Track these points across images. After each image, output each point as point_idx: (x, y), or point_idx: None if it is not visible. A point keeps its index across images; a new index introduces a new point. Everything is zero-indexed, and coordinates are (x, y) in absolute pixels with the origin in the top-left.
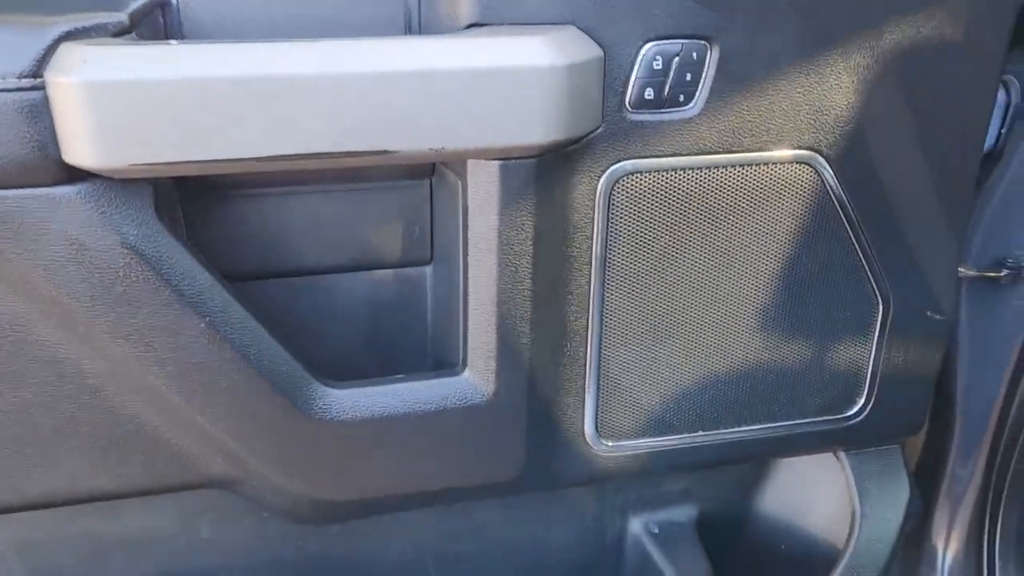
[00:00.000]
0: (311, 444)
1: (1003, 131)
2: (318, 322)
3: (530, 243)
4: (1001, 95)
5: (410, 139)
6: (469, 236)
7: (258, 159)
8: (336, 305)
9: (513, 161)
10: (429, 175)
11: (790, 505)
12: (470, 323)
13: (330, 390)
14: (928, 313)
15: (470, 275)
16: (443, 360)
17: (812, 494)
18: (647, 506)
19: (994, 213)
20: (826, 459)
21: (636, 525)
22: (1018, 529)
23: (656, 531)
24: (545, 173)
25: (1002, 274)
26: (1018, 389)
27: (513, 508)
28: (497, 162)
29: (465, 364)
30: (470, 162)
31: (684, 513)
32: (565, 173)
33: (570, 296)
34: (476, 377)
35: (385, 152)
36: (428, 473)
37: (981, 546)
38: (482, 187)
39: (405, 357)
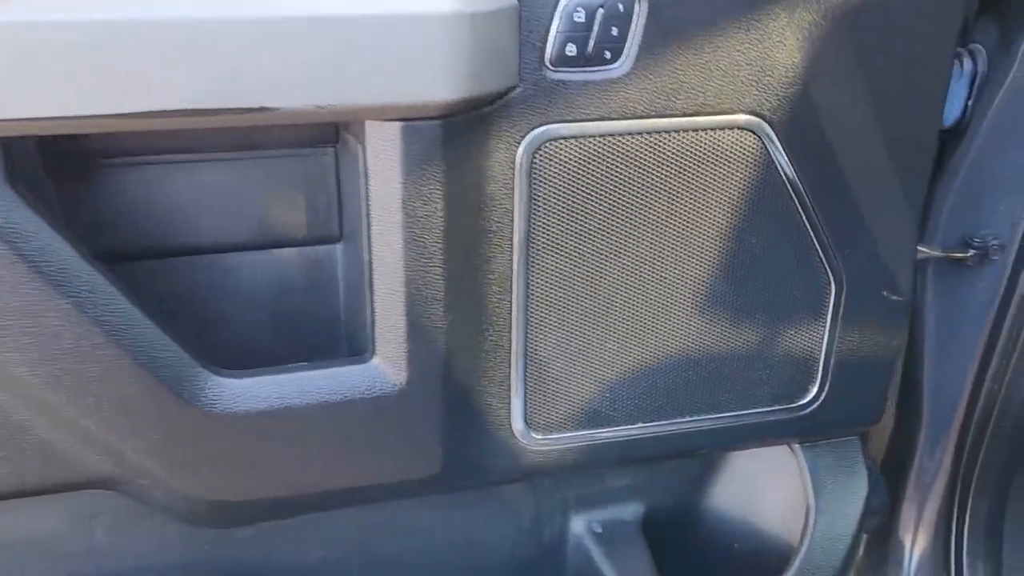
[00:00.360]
0: (201, 439)
1: (970, 103)
2: (220, 307)
3: (440, 216)
4: (968, 65)
5: (290, 94)
6: (371, 208)
7: (111, 117)
8: (238, 288)
9: (415, 122)
10: (333, 141)
11: (742, 501)
12: (377, 305)
13: (221, 379)
14: (884, 294)
15: (374, 252)
16: (357, 347)
17: (765, 489)
18: (589, 504)
19: (960, 190)
20: (779, 452)
21: (578, 524)
22: (987, 523)
23: (599, 530)
24: (454, 137)
25: (968, 255)
26: (987, 376)
27: (443, 507)
28: (397, 123)
29: (374, 351)
30: (368, 124)
31: (629, 511)
32: (479, 138)
33: (490, 276)
34: (385, 365)
35: (262, 110)
36: (337, 471)
37: (949, 541)
38: (382, 152)
39: (317, 344)
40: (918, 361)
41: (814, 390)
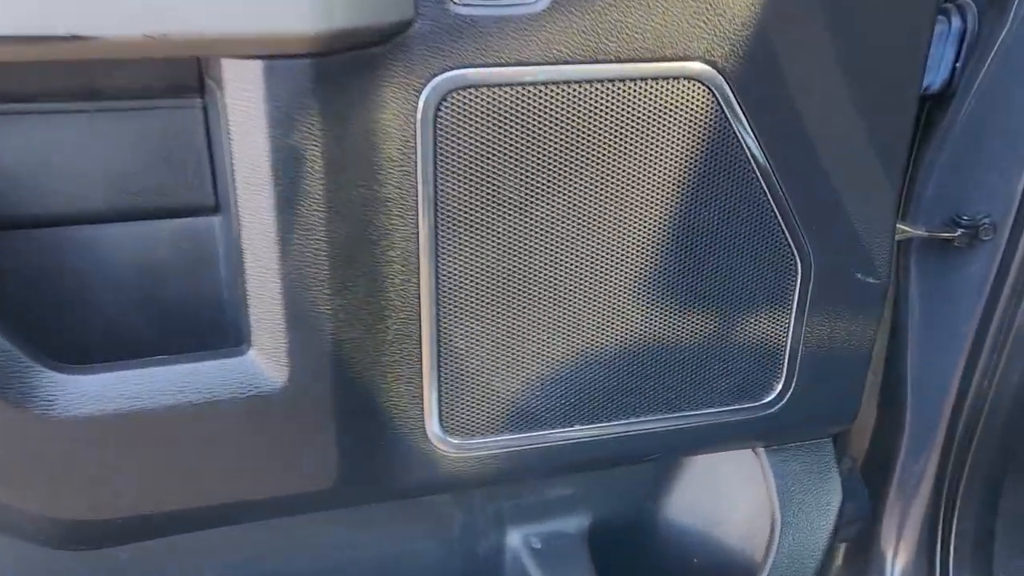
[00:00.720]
0: (38, 448)
1: (957, 64)
2: (74, 290)
3: (319, 179)
4: (956, 22)
5: (111, 20)
6: (236, 169)
7: None
8: (95, 267)
9: (280, 61)
10: (197, 91)
11: (700, 512)
12: (250, 287)
13: (61, 376)
14: (858, 276)
15: (243, 222)
16: (241, 338)
17: (726, 499)
18: (527, 515)
19: (947, 162)
20: (741, 457)
21: (514, 538)
22: (976, 531)
23: (538, 545)
24: (333, 81)
25: (956, 235)
26: (976, 369)
27: (357, 522)
28: (258, 62)
29: (250, 342)
30: (224, 64)
31: (572, 523)
32: (368, 84)
33: (391, 252)
34: (263, 358)
35: (73, 39)
36: (212, 484)
37: (935, 550)
38: (243, 99)
39: (197, 335)
40: (901, 353)
41: (779, 386)
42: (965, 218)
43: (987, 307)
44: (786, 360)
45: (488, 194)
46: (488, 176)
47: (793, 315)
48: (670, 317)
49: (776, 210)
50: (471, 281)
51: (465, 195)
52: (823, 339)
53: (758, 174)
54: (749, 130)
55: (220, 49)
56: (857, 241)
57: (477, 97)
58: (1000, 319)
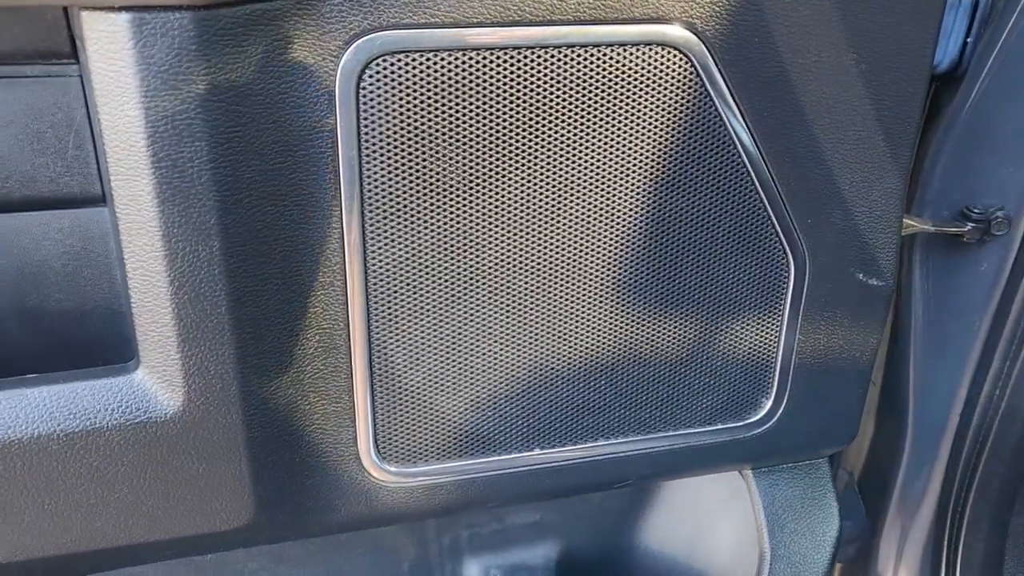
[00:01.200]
0: None
1: (968, 40)
2: None
3: (210, 163)
4: None
5: None
6: (107, 149)
7: None
8: None
9: (153, 14)
10: (68, 55)
11: (681, 542)
12: (133, 293)
13: None
14: (860, 277)
15: (119, 213)
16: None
17: (710, 527)
18: (487, 545)
19: (956, 149)
20: (728, 479)
21: (473, 570)
22: (984, 551)
23: None
24: (225, 42)
25: (966, 229)
26: (986, 377)
27: (295, 556)
28: (124, 15)
29: (139, 359)
30: (85, 17)
31: (538, 554)
32: (272, 47)
33: (307, 249)
34: (154, 378)
35: None
36: (102, 525)
37: (938, 571)
38: (109, 63)
39: (86, 350)
40: (903, 358)
41: (769, 403)
42: (976, 211)
43: (999, 308)
44: (777, 374)
45: (427, 180)
46: (427, 158)
47: (785, 322)
48: (643, 325)
49: (765, 201)
50: (409, 282)
51: (399, 181)
52: (819, 350)
53: (744, 159)
54: (734, 107)
55: None
56: (858, 237)
57: (409, 64)
58: (1014, 321)
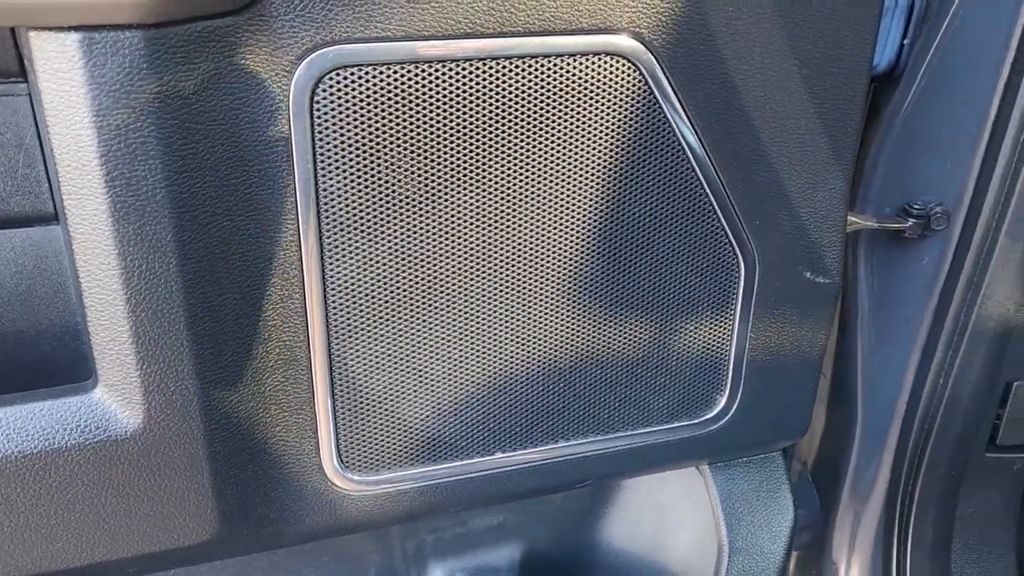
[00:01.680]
0: None
1: (905, 42)
2: None
3: (164, 180)
4: None
5: None
6: (58, 168)
7: None
8: None
9: (103, 33)
10: (18, 73)
11: (642, 538)
12: (89, 312)
13: None
14: (807, 276)
15: (73, 231)
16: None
17: (669, 523)
18: (451, 550)
19: (896, 148)
20: (686, 477)
21: (437, 574)
22: (933, 535)
23: None
24: (177, 59)
25: (908, 224)
26: (930, 367)
27: (253, 564)
28: (74, 34)
29: (97, 377)
30: (33, 38)
31: (502, 556)
32: (224, 63)
33: (264, 263)
34: (112, 397)
35: None
36: (65, 545)
37: (890, 556)
38: (59, 83)
39: (42, 370)
40: (851, 351)
41: (723, 400)
42: (916, 207)
43: (941, 300)
44: (730, 371)
45: (382, 192)
46: (381, 171)
47: (737, 321)
48: (600, 328)
49: (715, 204)
50: (367, 293)
51: (354, 194)
52: (770, 347)
53: (693, 163)
54: (682, 114)
55: (25, 18)
56: (805, 237)
57: (362, 78)
58: (955, 313)
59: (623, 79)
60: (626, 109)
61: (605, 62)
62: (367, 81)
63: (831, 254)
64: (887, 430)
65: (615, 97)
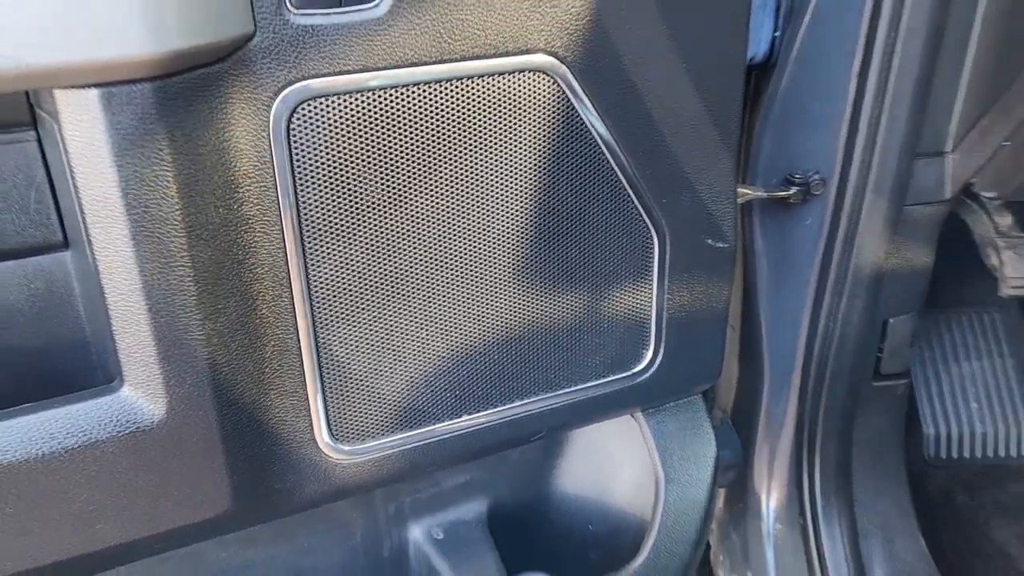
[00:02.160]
0: None
1: (776, 34)
2: None
3: (175, 205)
4: None
5: None
6: (83, 203)
7: None
8: None
9: (119, 88)
10: (27, 123)
11: (592, 481)
12: (115, 322)
13: None
14: (709, 242)
15: (98, 257)
16: (112, 376)
17: (614, 465)
18: (426, 509)
19: (776, 127)
20: (624, 424)
21: (417, 532)
22: (837, 464)
23: (440, 536)
24: (178, 103)
25: (791, 192)
26: (821, 314)
27: (260, 539)
28: (94, 91)
29: (122, 378)
30: (58, 95)
31: (471, 510)
32: (214, 102)
33: (259, 268)
34: (138, 394)
35: None
36: (103, 526)
37: (801, 481)
38: (82, 131)
39: (61, 378)
40: (755, 308)
41: (649, 354)
42: (797, 177)
43: (824, 255)
44: (653, 328)
45: (351, 201)
46: (349, 183)
47: (655, 286)
48: (542, 302)
49: (629, 188)
50: (344, 288)
51: (328, 205)
52: (684, 305)
53: (608, 155)
54: (595, 113)
55: (52, 81)
56: (704, 209)
57: (328, 106)
58: (837, 265)
59: (544, 89)
60: (549, 114)
61: (528, 77)
62: (332, 108)
63: (726, 221)
64: (790, 373)
65: (539, 105)
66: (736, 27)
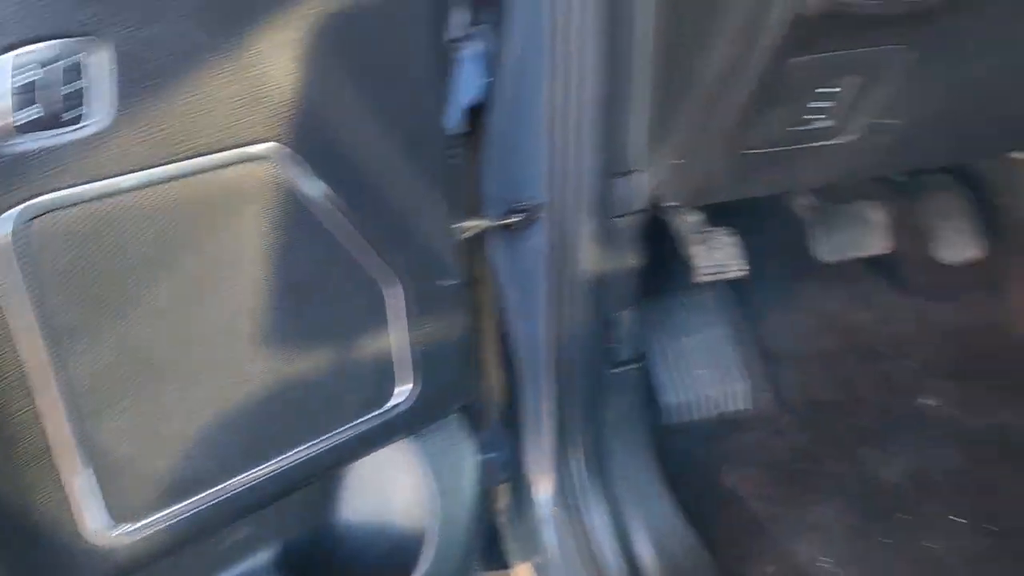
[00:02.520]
0: None
1: (490, 80)
2: None
3: None
4: (481, 44)
5: None
6: None
7: None
8: None
9: None
10: None
11: (376, 508)
12: None
13: None
14: (439, 282)
15: None
16: None
17: (394, 489)
18: (215, 567)
19: (497, 162)
20: (395, 450)
21: None
22: (593, 445)
23: None
24: None
25: (517, 220)
26: (554, 320)
27: None
28: None
29: None
30: None
31: (261, 559)
32: None
33: None
34: None
35: None
36: None
37: (566, 465)
38: None
39: None
40: (508, 320)
41: (405, 387)
42: (518, 204)
43: (550, 269)
44: (404, 365)
45: (92, 303)
46: (88, 287)
47: (404, 329)
48: (291, 361)
49: (357, 247)
50: (98, 383)
51: (69, 310)
52: (429, 340)
53: (335, 221)
54: (322, 187)
55: None
56: (429, 256)
57: (63, 219)
58: (560, 275)
59: (267, 173)
60: (275, 195)
61: (254, 165)
62: (67, 219)
63: (451, 262)
64: (539, 374)
65: (265, 188)
66: (433, 95)
